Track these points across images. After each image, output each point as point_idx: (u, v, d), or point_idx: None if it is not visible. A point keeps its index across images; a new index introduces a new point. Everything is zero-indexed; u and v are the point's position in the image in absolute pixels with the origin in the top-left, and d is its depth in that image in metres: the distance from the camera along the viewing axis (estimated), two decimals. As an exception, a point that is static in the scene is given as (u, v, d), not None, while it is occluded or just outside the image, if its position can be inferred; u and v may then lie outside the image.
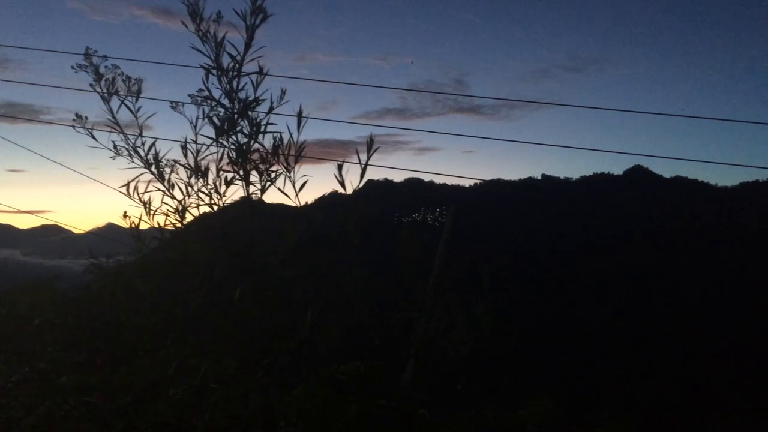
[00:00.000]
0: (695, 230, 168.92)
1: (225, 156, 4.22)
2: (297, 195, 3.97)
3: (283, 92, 4.08)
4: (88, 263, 4.57)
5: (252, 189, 4.31)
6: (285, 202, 4.32)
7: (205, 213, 4.37)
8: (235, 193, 4.36)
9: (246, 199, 4.33)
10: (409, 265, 4.83)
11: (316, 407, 5.13)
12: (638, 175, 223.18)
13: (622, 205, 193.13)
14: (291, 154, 3.97)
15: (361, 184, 3.84)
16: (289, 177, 3.96)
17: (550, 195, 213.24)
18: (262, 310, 3.95)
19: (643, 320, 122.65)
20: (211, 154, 4.05)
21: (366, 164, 3.92)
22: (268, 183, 4.30)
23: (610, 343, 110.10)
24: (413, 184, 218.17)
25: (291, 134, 3.89)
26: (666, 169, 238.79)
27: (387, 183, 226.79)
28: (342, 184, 3.81)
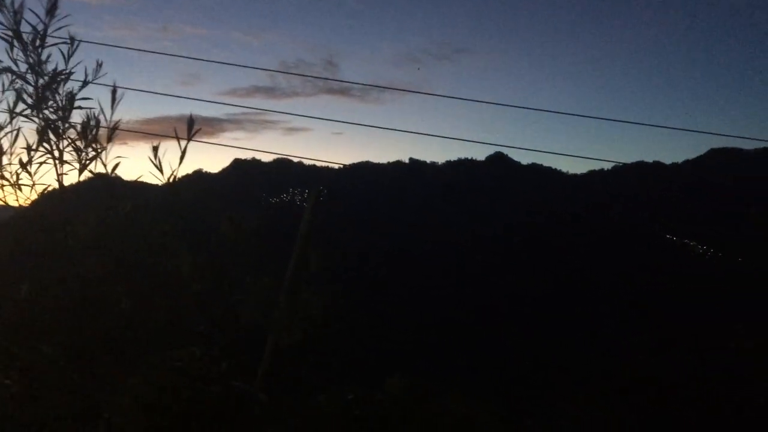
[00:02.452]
0: (549, 212, 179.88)
1: (35, 133, 3.90)
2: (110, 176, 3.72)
3: (99, 65, 3.81)
4: None
5: (67, 168, 4.01)
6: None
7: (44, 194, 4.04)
8: (46, 173, 4.03)
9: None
10: (237, 249, 4.71)
11: (150, 395, 4.93)
12: (499, 161, 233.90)
13: (485, 189, 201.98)
14: (106, 127, 3.70)
15: (179, 168, 3.64)
16: (100, 158, 3.69)
17: (418, 178, 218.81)
18: (72, 303, 3.69)
19: (499, 301, 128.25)
20: (9, 131, 3.69)
21: (186, 146, 3.73)
22: (87, 162, 4.01)
23: (467, 325, 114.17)
24: (282, 164, 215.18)
25: (103, 111, 3.62)
26: (523, 159, 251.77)
27: (254, 163, 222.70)
28: (159, 167, 3.60)
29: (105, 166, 3.65)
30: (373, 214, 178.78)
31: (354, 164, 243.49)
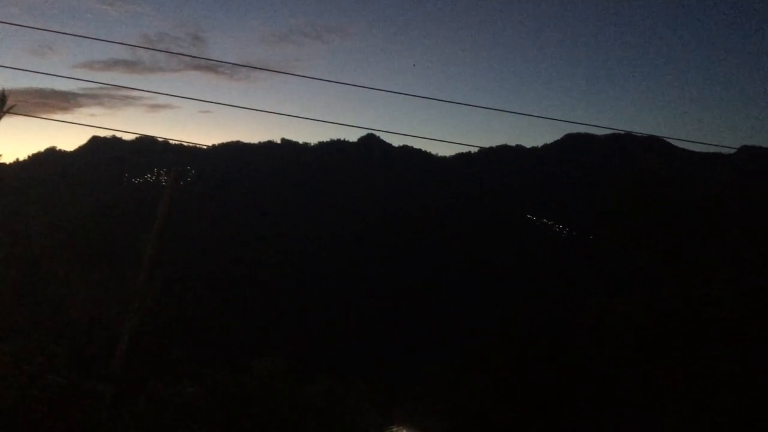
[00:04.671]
0: (419, 195, 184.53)
1: None
2: None
3: None
4: None
5: None
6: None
7: None
8: None
9: None
10: (71, 236, 4.43)
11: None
12: (371, 142, 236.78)
13: (356, 170, 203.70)
14: None
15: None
16: None
17: (289, 159, 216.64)
18: None
19: (370, 292, 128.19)
20: None
21: (-4, 124, 3.42)
22: None
23: (338, 316, 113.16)
24: (145, 143, 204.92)
25: None
26: (395, 142, 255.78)
27: (115, 141, 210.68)
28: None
29: None
30: (242, 195, 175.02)
31: (223, 144, 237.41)
